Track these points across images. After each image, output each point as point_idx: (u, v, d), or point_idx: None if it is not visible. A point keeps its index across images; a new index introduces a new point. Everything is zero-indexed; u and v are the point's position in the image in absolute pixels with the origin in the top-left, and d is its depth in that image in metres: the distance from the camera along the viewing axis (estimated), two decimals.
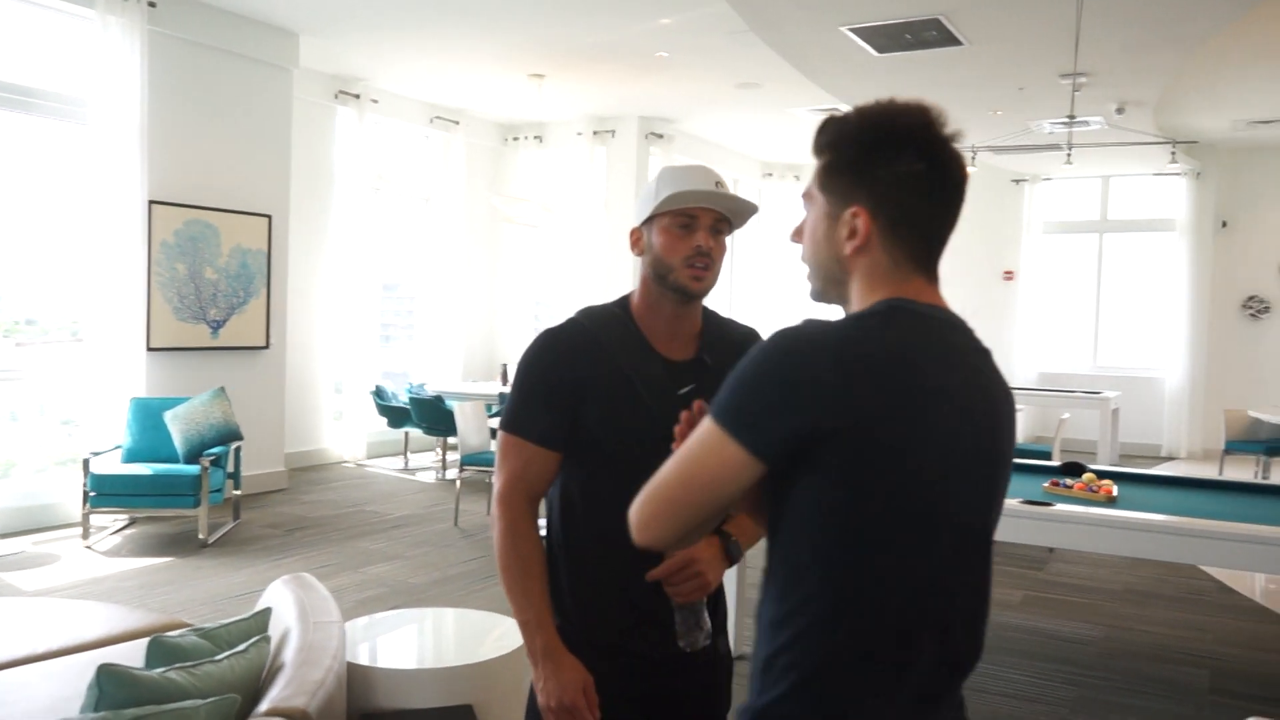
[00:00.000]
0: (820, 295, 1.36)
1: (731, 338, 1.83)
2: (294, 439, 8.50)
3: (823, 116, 1.32)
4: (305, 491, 7.73)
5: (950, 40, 6.54)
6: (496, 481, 1.76)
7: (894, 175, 1.23)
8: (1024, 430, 10.21)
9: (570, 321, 1.79)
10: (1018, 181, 11.96)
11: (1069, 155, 7.55)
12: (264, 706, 1.93)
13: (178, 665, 2.00)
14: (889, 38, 6.53)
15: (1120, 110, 8.20)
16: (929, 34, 6.44)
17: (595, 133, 10.63)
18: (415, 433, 9.09)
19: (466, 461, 6.66)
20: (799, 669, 1.15)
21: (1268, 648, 4.58)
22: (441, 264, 10.34)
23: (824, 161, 1.29)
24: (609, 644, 1.73)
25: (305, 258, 8.74)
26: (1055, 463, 4.94)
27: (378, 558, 5.78)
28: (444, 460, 8.82)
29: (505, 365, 9.48)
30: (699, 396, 1.65)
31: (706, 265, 1.71)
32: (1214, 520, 3.55)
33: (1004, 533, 2.83)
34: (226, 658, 2.08)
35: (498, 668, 2.69)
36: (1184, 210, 11.16)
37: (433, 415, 8.37)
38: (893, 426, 1.12)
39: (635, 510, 1.22)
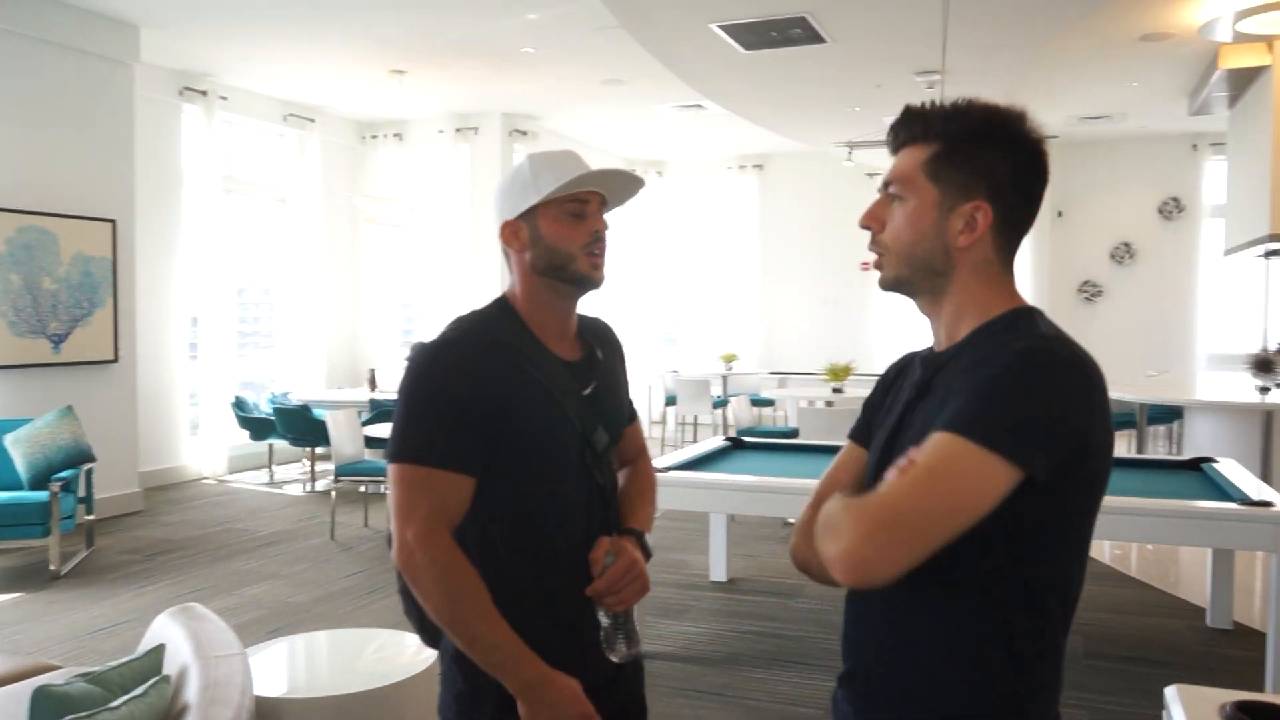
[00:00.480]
0: (904, 283, 1.33)
1: (598, 330, 1.77)
2: (149, 457, 8.00)
3: (902, 107, 1.33)
4: (164, 512, 7.29)
5: (815, 38, 6.69)
6: (404, 525, 1.48)
7: (1013, 173, 1.28)
8: None
9: (464, 330, 1.60)
10: (872, 175, 12.37)
11: None
12: None
13: (74, 717, 1.83)
14: (756, 35, 6.63)
15: None
16: (795, 32, 6.57)
17: (458, 130, 10.41)
18: (280, 444, 8.70)
19: (341, 472, 6.41)
20: (999, 686, 1.22)
21: (1129, 610, 4.88)
22: (300, 267, 9.94)
23: (935, 150, 1.28)
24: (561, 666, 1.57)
25: (155, 264, 8.24)
26: None
27: (252, 578, 5.49)
28: (313, 472, 8.47)
29: (373, 370, 9.21)
30: (600, 396, 1.67)
31: (603, 250, 1.63)
32: None
33: None
34: (124, 704, 1.92)
35: (411, 688, 2.58)
36: None
37: (300, 425, 8.03)
38: (1104, 441, 1.24)
39: (854, 545, 1.09)
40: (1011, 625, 1.22)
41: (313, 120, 9.96)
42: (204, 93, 8.66)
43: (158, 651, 2.27)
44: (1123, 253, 11.44)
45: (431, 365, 1.55)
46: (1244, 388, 7.34)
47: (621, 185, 1.67)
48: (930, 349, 1.40)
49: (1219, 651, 4.19)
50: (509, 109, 10.21)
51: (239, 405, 8.68)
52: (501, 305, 1.67)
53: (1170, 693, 1.70)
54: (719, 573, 5.37)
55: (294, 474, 8.96)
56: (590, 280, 1.63)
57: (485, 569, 1.55)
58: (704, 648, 4.32)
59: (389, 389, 8.82)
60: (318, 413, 8.12)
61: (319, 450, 8.43)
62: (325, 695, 2.48)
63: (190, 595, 5.09)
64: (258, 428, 8.52)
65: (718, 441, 5.23)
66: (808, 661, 4.13)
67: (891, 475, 1.14)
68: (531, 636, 1.53)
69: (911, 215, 1.30)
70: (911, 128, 1.32)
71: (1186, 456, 4.60)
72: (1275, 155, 7.34)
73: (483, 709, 1.57)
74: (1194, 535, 3.54)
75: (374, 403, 8.15)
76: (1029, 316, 1.29)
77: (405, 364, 1.61)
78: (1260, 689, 3.41)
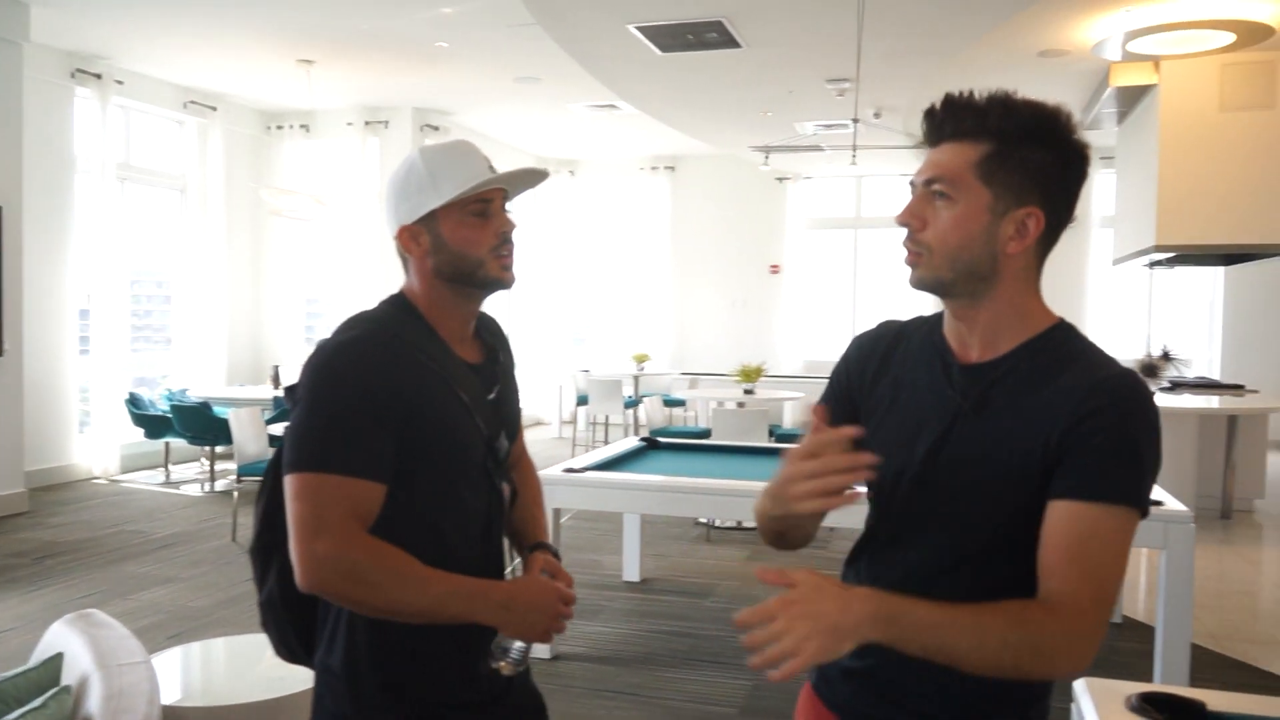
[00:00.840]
0: (943, 286, 1.29)
1: (495, 330, 1.70)
2: (35, 455, 7.63)
3: (940, 96, 1.29)
4: (52, 513, 6.96)
5: (730, 43, 6.76)
6: (310, 540, 1.34)
7: (1064, 177, 1.27)
8: (792, 417, 10.78)
9: (367, 328, 1.48)
10: (781, 180, 12.58)
11: (854, 157, 8.03)
12: None
13: None
14: (673, 37, 6.67)
15: (878, 115, 8.79)
16: (710, 35, 6.63)
17: (367, 123, 10.21)
18: (177, 443, 8.40)
19: (244, 472, 6.21)
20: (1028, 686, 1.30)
21: None
22: (200, 260, 9.61)
23: (989, 150, 1.24)
24: (437, 702, 1.51)
25: (45, 254, 7.86)
26: None
27: (149, 582, 5.29)
28: (212, 471, 8.20)
29: (276, 367, 8.97)
30: (503, 396, 1.61)
31: (511, 250, 1.54)
32: None
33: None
34: (23, 716, 1.83)
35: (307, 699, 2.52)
36: None
37: (199, 423, 7.76)
38: None
39: (1084, 652, 1.15)
40: None
41: (215, 109, 9.64)
42: (98, 76, 8.30)
43: (55, 660, 2.17)
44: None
45: (336, 364, 1.43)
46: None
47: (524, 178, 1.59)
48: (946, 349, 1.34)
49: (1111, 644, 4.39)
50: (420, 103, 10.05)
51: (134, 402, 8.35)
52: (400, 304, 1.56)
53: (1079, 686, 1.76)
54: (632, 573, 5.39)
55: (191, 474, 8.66)
56: (501, 283, 1.55)
57: None
58: (617, 648, 4.32)
59: None
60: (218, 410, 7.87)
61: (219, 449, 8.17)
62: (235, 703, 2.40)
63: (83, 600, 4.88)
64: (153, 425, 8.20)
65: (632, 442, 5.25)
66: (720, 660, 4.18)
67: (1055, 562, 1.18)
68: (426, 645, 1.48)
69: (961, 218, 1.25)
70: (960, 121, 1.26)
71: None
72: (1161, 171, 7.71)
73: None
74: None
75: (277, 400, 7.93)
76: (1073, 332, 1.32)
77: (305, 364, 1.47)
78: (1149, 679, 3.58)
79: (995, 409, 1.25)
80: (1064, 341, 1.28)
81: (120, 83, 8.58)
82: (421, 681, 1.50)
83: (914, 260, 1.29)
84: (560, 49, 7.23)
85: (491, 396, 1.58)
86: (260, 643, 3.04)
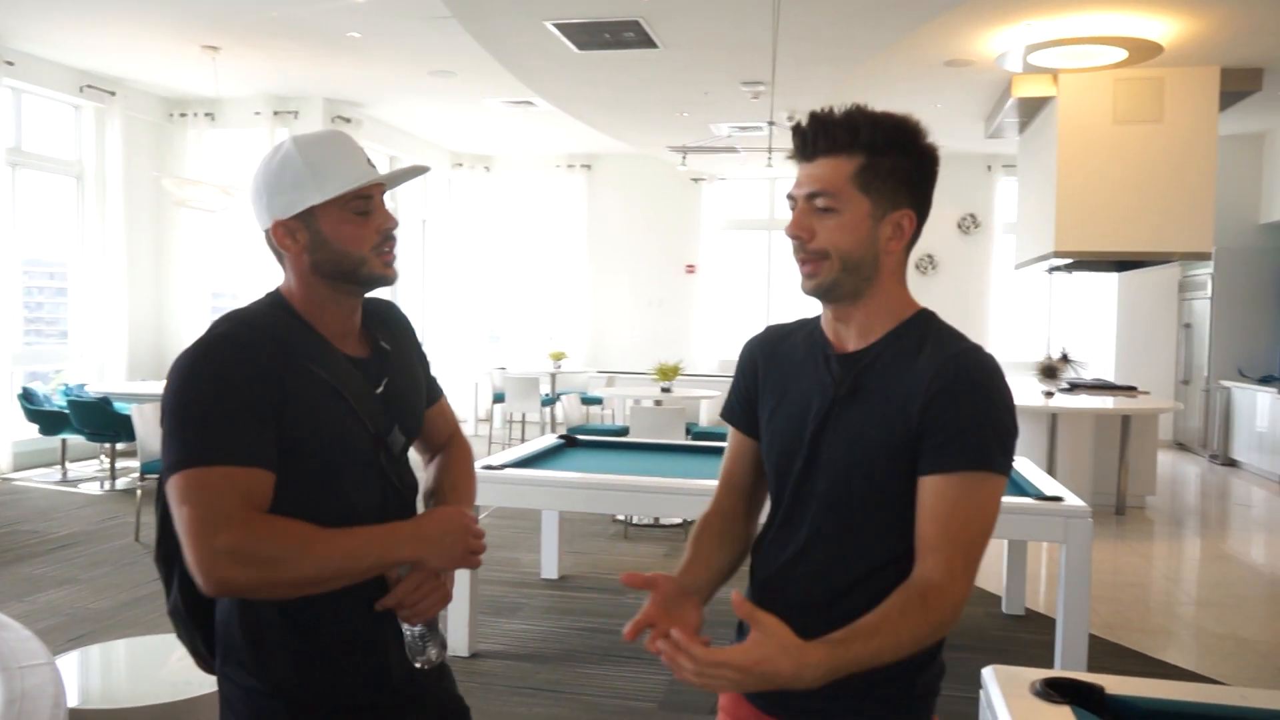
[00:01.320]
0: (835, 289, 1.41)
1: (383, 317, 1.63)
2: None
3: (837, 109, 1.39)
4: None
5: (647, 42, 6.80)
6: (209, 538, 1.27)
7: (925, 180, 1.40)
8: (708, 416, 10.91)
9: (236, 325, 1.43)
10: (697, 180, 12.69)
11: (770, 159, 8.16)
12: None
13: None
14: (590, 35, 6.68)
15: (791, 118, 8.94)
16: (627, 35, 6.66)
17: (276, 113, 9.95)
18: (75, 440, 8.07)
19: (147, 470, 6.00)
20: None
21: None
22: (99, 250, 9.24)
23: (861, 163, 1.35)
24: (354, 705, 1.47)
25: None
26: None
27: (46, 583, 5.08)
28: (113, 469, 7.90)
29: None
30: (393, 388, 1.55)
31: (393, 246, 1.51)
32: None
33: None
34: None
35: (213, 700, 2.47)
36: None
37: (98, 419, 7.47)
38: None
39: (954, 584, 1.29)
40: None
41: (113, 93, 9.28)
42: None
43: None
44: (926, 264, 12.19)
45: (205, 362, 1.36)
46: (1032, 391, 7.99)
47: (405, 174, 1.56)
48: (826, 343, 1.48)
49: (1014, 635, 4.56)
50: (332, 94, 9.85)
51: (27, 397, 7.99)
52: (276, 301, 1.51)
53: (987, 673, 1.83)
54: (550, 570, 5.39)
55: (90, 471, 8.33)
56: (385, 279, 1.50)
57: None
58: (537, 645, 4.32)
59: None
60: (119, 406, 7.59)
61: (120, 446, 7.88)
62: (141, 705, 2.34)
63: None
64: (49, 421, 7.87)
65: (550, 439, 5.24)
66: (641, 656, 4.21)
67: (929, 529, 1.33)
68: (328, 662, 1.45)
69: (847, 226, 1.36)
70: (832, 137, 1.36)
71: None
72: (1060, 180, 8.03)
73: None
74: (997, 529, 3.84)
75: None
76: (933, 318, 1.47)
77: (171, 368, 1.40)
78: (1051, 666, 3.73)
79: (867, 391, 1.39)
80: (924, 326, 1.43)
81: (10, 64, 8.19)
82: (324, 683, 1.46)
83: (813, 269, 1.40)
84: (476, 43, 7.18)
85: (379, 390, 1.52)
86: (165, 644, 2.96)
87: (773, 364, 1.53)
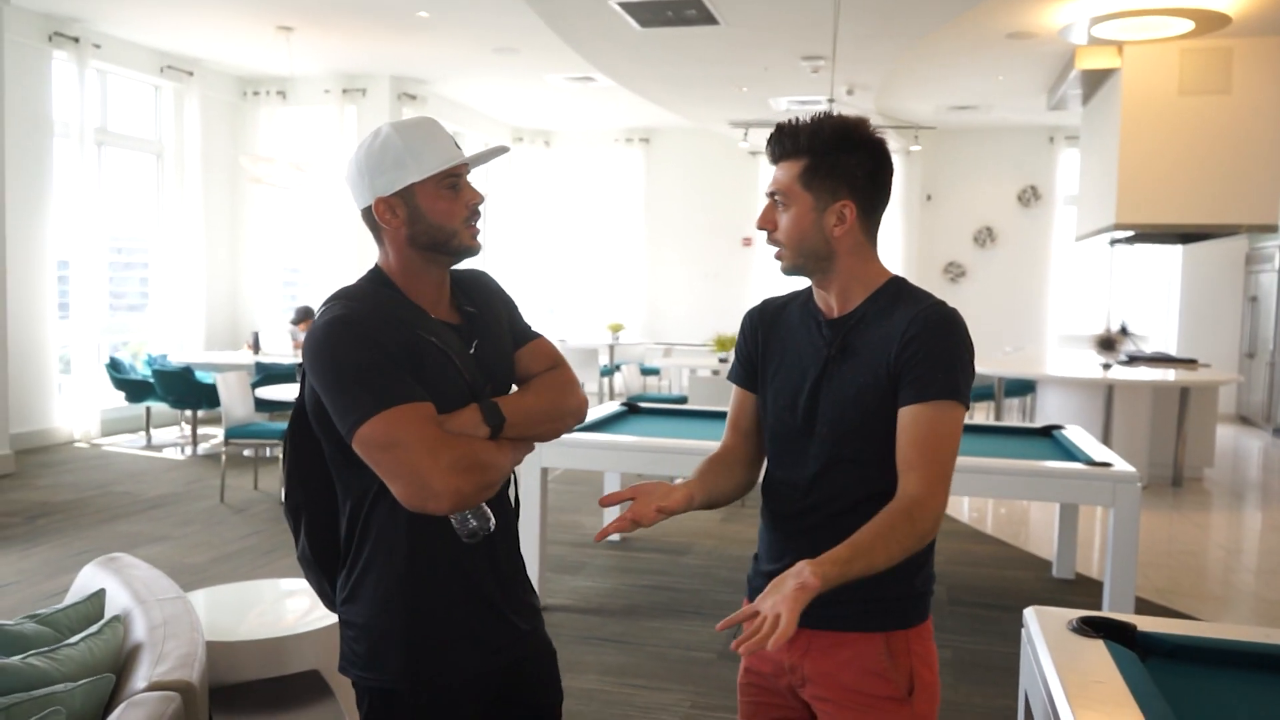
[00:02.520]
0: (800, 269, 1.71)
1: (469, 287, 1.77)
2: (17, 419, 7.71)
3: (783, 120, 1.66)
4: (38, 475, 7.06)
5: (708, 19, 6.92)
6: (430, 468, 1.46)
7: (868, 172, 1.64)
8: None
9: (351, 301, 1.59)
10: (754, 154, 12.75)
11: None
12: (141, 684, 1.89)
13: (35, 652, 1.91)
14: (652, 13, 6.82)
15: (850, 92, 8.99)
16: (689, 12, 6.78)
17: (345, 91, 10.25)
18: (158, 408, 8.49)
19: (231, 435, 6.35)
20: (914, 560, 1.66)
21: (985, 564, 5.35)
22: (178, 226, 9.64)
23: (805, 164, 1.64)
24: (466, 636, 1.65)
25: (25, 219, 7.90)
26: None
27: (142, 540, 5.44)
28: (194, 435, 8.30)
29: (256, 333, 9.05)
30: (484, 349, 1.70)
31: (478, 220, 1.67)
32: None
33: None
34: (82, 640, 2.01)
35: (337, 633, 2.71)
36: (897, 185, 12.38)
37: (181, 388, 7.87)
38: None
39: (933, 497, 1.55)
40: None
41: (191, 74, 9.64)
42: (75, 40, 8.29)
43: (99, 595, 2.34)
44: (985, 236, 12.16)
45: (347, 330, 1.53)
46: (1090, 364, 8.01)
47: (487, 155, 1.69)
48: (817, 312, 1.75)
49: (1062, 598, 4.68)
50: (398, 72, 10.11)
51: (114, 366, 8.42)
52: (376, 277, 1.66)
53: (1028, 613, 1.99)
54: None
55: (172, 437, 8.76)
56: (472, 250, 1.66)
57: (404, 530, 1.59)
58: (600, 600, 4.55)
59: (274, 353, 8.71)
60: (200, 375, 7.97)
61: (201, 414, 8.28)
62: (261, 638, 2.59)
63: (79, 556, 5.02)
64: (134, 390, 8.29)
65: (614, 406, 5.44)
66: (701, 612, 4.42)
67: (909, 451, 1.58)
68: (438, 596, 1.61)
69: (795, 218, 1.65)
70: (784, 144, 1.65)
71: (1039, 424, 5.07)
72: (1122, 152, 7.99)
73: (388, 665, 1.61)
74: (1046, 492, 3.97)
75: (259, 365, 8.04)
76: (904, 284, 1.72)
77: (305, 349, 1.57)
78: None
79: (854, 349, 1.66)
80: (896, 290, 1.69)
81: (98, 46, 8.57)
82: (442, 638, 1.62)
83: (777, 255, 1.70)
84: (540, 21, 7.35)
85: (472, 351, 1.67)
86: (277, 587, 3.23)
87: (773, 331, 1.80)
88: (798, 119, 1.65)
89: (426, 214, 1.60)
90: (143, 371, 8.52)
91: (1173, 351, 10.75)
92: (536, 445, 1.74)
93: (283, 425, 6.56)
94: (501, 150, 1.74)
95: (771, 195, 1.68)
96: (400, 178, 1.59)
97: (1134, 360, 8.51)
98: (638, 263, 13.02)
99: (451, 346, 1.63)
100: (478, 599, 1.66)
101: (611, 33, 7.40)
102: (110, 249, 9.12)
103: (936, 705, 1.72)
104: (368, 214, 1.65)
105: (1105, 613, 1.96)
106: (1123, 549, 3.69)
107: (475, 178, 1.74)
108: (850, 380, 1.65)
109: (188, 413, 8.45)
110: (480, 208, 1.67)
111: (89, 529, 5.64)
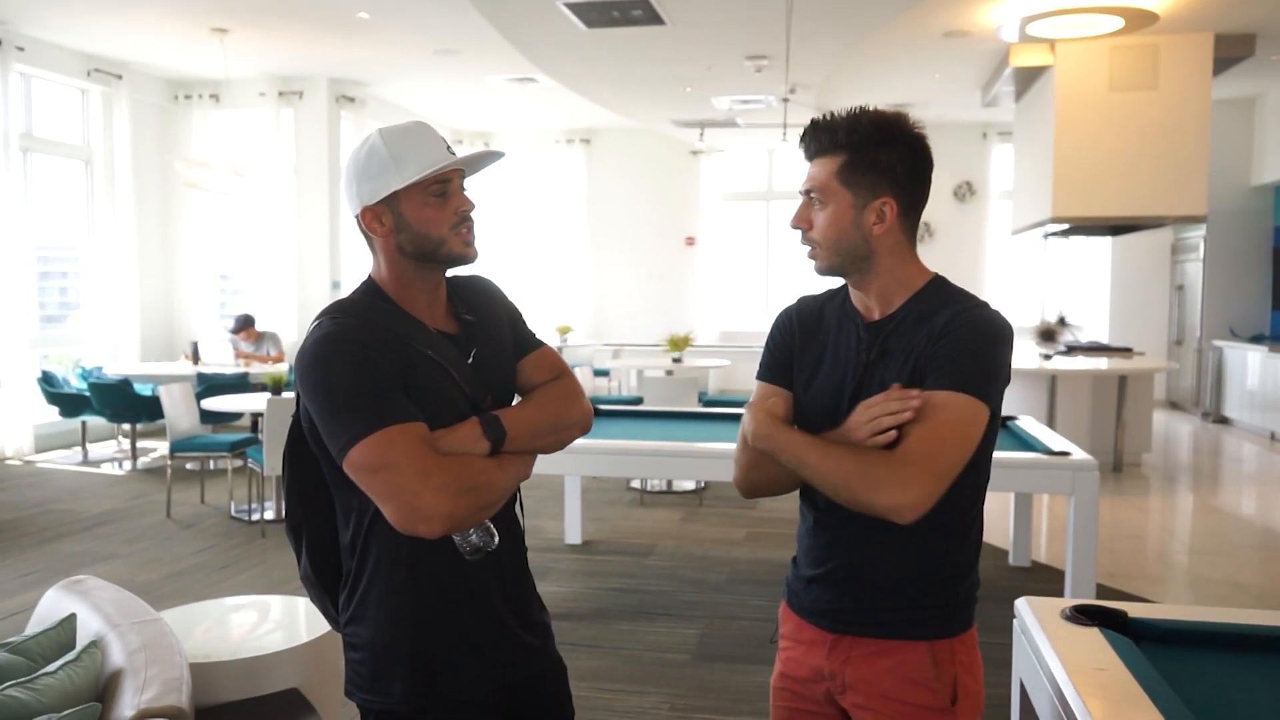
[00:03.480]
0: (838, 269, 1.66)
1: (468, 293, 1.73)
2: None
3: (811, 117, 1.61)
4: None
5: (655, 19, 6.93)
6: (418, 491, 1.42)
7: (908, 168, 1.59)
8: (718, 383, 11.10)
9: (345, 315, 1.55)
10: (695, 153, 12.81)
11: (785, 133, 8.27)
12: (128, 711, 1.83)
13: (14, 683, 1.84)
14: (599, 13, 6.81)
15: (792, 90, 9.07)
16: (635, 13, 6.79)
17: (281, 94, 10.04)
18: (94, 422, 8.23)
19: (177, 448, 6.18)
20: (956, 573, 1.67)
21: None
22: (109, 234, 9.35)
23: (843, 160, 1.58)
24: (473, 655, 1.61)
25: None
26: None
27: (89, 559, 5.27)
28: (134, 449, 8.07)
29: (195, 343, 8.82)
30: (482, 358, 1.66)
31: (471, 227, 1.61)
32: None
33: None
34: (61, 668, 1.94)
35: (317, 649, 2.66)
36: None
37: (119, 401, 7.64)
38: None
39: (917, 497, 1.46)
40: (957, 532, 1.65)
41: (120, 77, 9.36)
42: None
43: (70, 621, 2.26)
44: (923, 232, 12.35)
45: (338, 348, 1.49)
46: (1031, 355, 8.20)
47: (481, 159, 1.66)
48: (855, 314, 1.69)
49: (1023, 585, 4.77)
50: (337, 74, 9.94)
51: (47, 380, 8.14)
52: (369, 289, 1.62)
53: (1020, 604, 2.03)
54: (574, 536, 5.59)
55: (109, 452, 8.50)
56: (464, 258, 1.61)
57: (407, 548, 1.55)
58: (569, 605, 4.52)
59: (214, 362, 8.50)
60: (139, 388, 7.75)
61: (140, 426, 8.05)
62: (241, 658, 2.52)
63: (26, 578, 4.85)
64: (69, 404, 8.03)
65: None
66: (670, 613, 4.42)
67: (894, 407, 1.51)
68: (443, 616, 1.57)
69: (833, 216, 1.60)
70: (820, 140, 1.61)
71: None
72: (1057, 147, 8.19)
73: (392, 688, 1.58)
74: (1007, 482, 4.04)
75: (201, 376, 7.84)
76: (945, 284, 1.67)
77: (296, 367, 1.54)
78: None
79: (892, 353, 1.60)
80: (937, 291, 1.64)
81: (21, 49, 8.28)
82: (449, 658, 1.58)
83: (812, 254, 1.66)
84: (483, 21, 7.28)
85: (469, 361, 1.63)
86: (251, 604, 3.15)
87: (811, 331, 1.73)
88: (833, 114, 1.59)
89: (411, 222, 1.56)
90: (77, 385, 8.26)
91: (1106, 340, 11.07)
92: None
93: (230, 437, 6.41)
94: (495, 155, 1.69)
95: (807, 193, 1.63)
96: (384, 185, 1.55)
97: (1072, 350, 8.74)
98: (582, 264, 12.99)
99: (447, 358, 1.59)
100: (485, 616, 1.62)
101: (557, 33, 7.37)
102: (38, 258, 8.81)
103: (980, 716, 1.69)
104: (359, 223, 1.61)
105: (1086, 600, 2.00)
106: (1083, 536, 3.78)
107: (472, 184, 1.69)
108: (889, 384, 1.59)
109: (125, 426, 8.21)
110: (472, 214, 1.62)
111: (30, 549, 5.44)
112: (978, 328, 1.55)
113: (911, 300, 1.63)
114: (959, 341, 1.54)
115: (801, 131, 1.65)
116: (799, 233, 1.67)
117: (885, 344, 1.62)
